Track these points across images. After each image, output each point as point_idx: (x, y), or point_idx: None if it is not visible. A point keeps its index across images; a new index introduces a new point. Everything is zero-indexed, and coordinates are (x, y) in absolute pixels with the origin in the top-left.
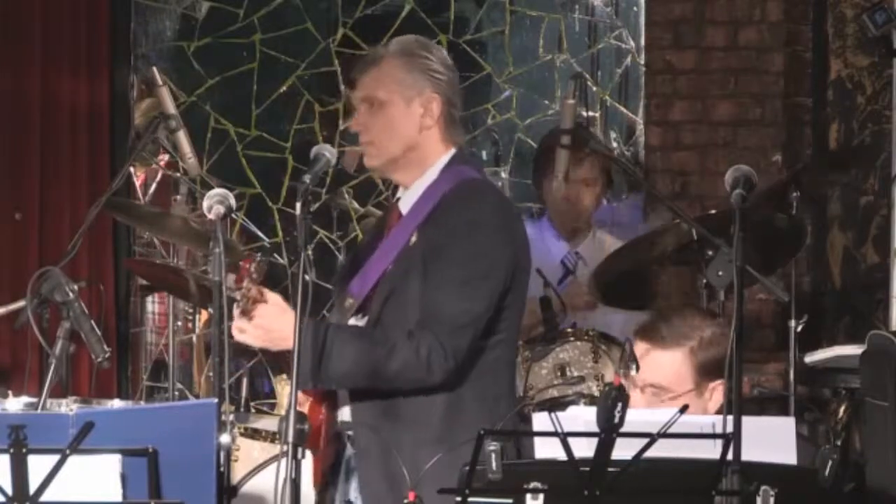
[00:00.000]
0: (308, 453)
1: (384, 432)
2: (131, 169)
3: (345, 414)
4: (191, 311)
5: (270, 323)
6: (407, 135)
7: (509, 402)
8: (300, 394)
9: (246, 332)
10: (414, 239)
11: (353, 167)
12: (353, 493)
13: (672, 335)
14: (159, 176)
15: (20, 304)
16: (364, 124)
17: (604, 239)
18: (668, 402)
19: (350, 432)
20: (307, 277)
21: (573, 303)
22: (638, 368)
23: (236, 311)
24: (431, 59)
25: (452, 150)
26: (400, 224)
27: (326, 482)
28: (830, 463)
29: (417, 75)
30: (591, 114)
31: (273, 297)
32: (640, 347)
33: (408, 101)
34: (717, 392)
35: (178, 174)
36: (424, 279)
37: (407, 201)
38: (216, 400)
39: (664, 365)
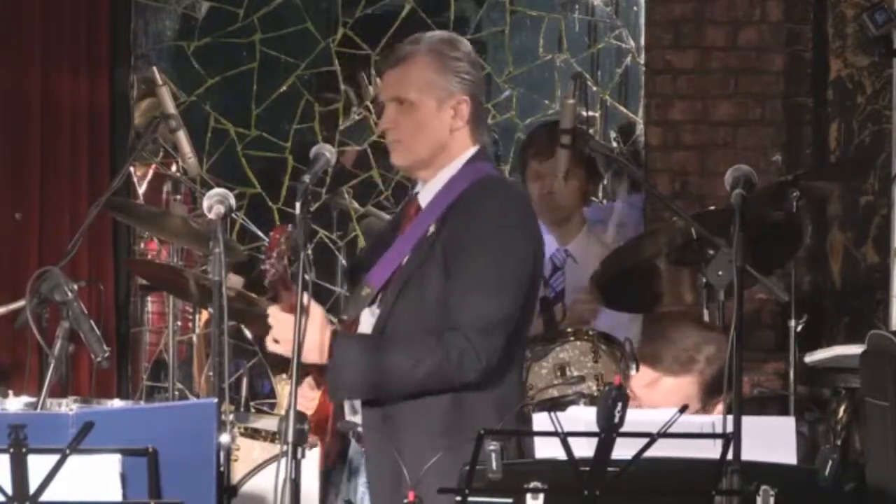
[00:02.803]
0: (308, 453)
1: (389, 431)
2: (131, 169)
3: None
4: (191, 311)
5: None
6: (437, 137)
7: (516, 401)
8: (313, 382)
9: (275, 337)
10: (432, 230)
11: (350, 163)
12: (358, 490)
13: (680, 360)
14: (159, 175)
15: (20, 304)
16: (394, 122)
17: (596, 237)
18: None
19: (357, 429)
20: (307, 277)
21: (574, 310)
22: (638, 368)
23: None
24: (461, 59)
25: (475, 148)
26: (419, 217)
27: (328, 476)
28: (830, 463)
29: (449, 77)
30: (591, 114)
31: (314, 311)
32: (647, 375)
33: (439, 104)
34: (718, 407)
35: (178, 174)
36: (447, 276)
37: (426, 195)
38: (216, 400)
39: (675, 392)
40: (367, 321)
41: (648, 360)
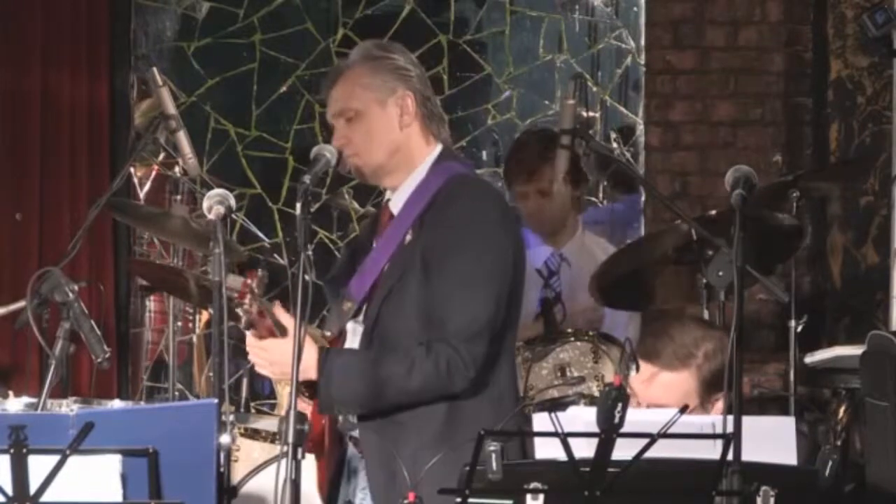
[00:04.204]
0: (309, 455)
1: (387, 434)
2: (131, 169)
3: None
4: (191, 311)
5: (280, 357)
6: (389, 138)
7: (511, 401)
8: (302, 393)
9: (260, 364)
10: (409, 238)
11: (347, 168)
12: (356, 493)
13: (679, 355)
14: (158, 176)
15: (20, 304)
16: (346, 138)
17: (591, 240)
18: None
19: (353, 433)
20: (307, 278)
21: (577, 321)
22: (638, 369)
23: (249, 335)
24: (395, 57)
25: (439, 147)
26: (393, 224)
27: (333, 486)
28: (830, 463)
29: (385, 76)
30: (591, 114)
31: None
32: (646, 370)
33: (382, 105)
34: (717, 404)
35: (178, 174)
36: (428, 282)
37: (397, 201)
38: (216, 400)
39: (673, 386)
40: (353, 334)
41: (647, 355)
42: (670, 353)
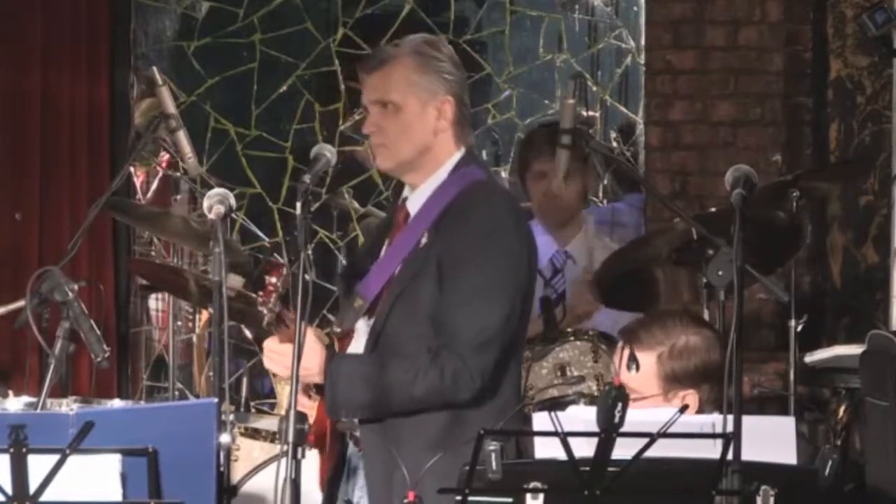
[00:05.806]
0: (308, 453)
1: (387, 435)
2: (131, 169)
3: None
4: (191, 310)
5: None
6: (421, 138)
7: (513, 406)
8: (308, 394)
9: (276, 365)
10: (424, 240)
11: (366, 160)
12: (355, 492)
13: (646, 339)
14: (159, 175)
15: (20, 304)
16: (377, 125)
17: (594, 237)
18: (633, 403)
19: (354, 431)
20: (307, 277)
21: (576, 308)
22: (638, 368)
23: (268, 341)
24: (443, 59)
25: (462, 151)
26: (408, 225)
27: (332, 484)
28: (830, 463)
29: (431, 77)
30: (591, 114)
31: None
32: (619, 347)
33: (423, 105)
34: (689, 399)
35: (178, 174)
36: (441, 288)
37: (415, 202)
38: (216, 400)
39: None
40: (361, 333)
41: (623, 334)
42: (639, 336)
